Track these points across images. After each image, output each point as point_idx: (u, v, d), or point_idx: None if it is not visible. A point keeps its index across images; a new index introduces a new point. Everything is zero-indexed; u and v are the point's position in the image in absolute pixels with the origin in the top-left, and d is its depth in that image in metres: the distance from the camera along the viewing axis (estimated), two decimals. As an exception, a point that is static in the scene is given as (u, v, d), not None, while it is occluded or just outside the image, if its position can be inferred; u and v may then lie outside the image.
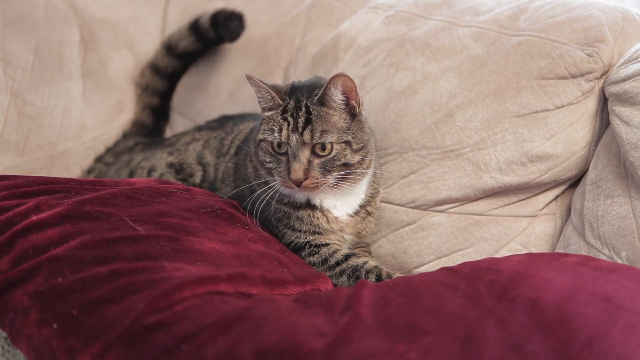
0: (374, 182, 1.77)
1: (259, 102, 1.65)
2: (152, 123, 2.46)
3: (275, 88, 1.64)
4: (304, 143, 1.55)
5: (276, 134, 1.58)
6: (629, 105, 1.57)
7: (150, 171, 2.00)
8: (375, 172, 1.77)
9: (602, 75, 1.68)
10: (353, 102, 1.60)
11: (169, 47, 2.40)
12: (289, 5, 2.35)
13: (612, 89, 1.62)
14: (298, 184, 1.55)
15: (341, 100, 1.59)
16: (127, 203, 1.56)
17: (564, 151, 1.72)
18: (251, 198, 1.71)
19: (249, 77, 1.60)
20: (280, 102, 1.61)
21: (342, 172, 1.59)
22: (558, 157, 1.72)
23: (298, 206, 1.70)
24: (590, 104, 1.71)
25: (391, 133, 1.87)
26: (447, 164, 1.80)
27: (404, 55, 1.93)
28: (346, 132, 1.59)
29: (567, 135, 1.71)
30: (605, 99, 1.69)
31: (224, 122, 2.08)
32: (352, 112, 1.62)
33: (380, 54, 1.97)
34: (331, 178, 1.58)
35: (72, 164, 2.28)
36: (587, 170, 1.73)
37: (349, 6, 2.24)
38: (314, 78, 1.77)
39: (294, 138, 1.56)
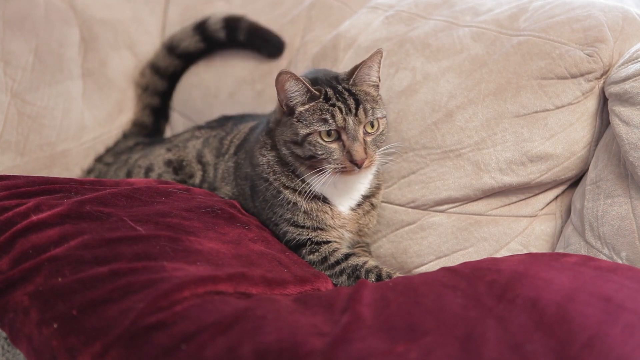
0: (378, 172, 1.79)
1: (290, 98, 1.62)
2: (152, 123, 2.46)
3: (307, 82, 1.63)
4: (359, 123, 1.59)
5: (330, 121, 1.58)
6: (629, 105, 1.57)
7: (147, 170, 1.99)
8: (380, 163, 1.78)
9: (602, 75, 1.68)
10: (377, 78, 1.68)
11: (170, 47, 2.40)
12: (289, 5, 2.35)
13: (612, 89, 1.62)
14: (360, 164, 1.57)
15: (375, 76, 1.66)
16: (127, 203, 1.56)
17: (564, 151, 1.72)
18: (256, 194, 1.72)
19: (285, 72, 1.59)
20: (317, 93, 1.61)
21: (381, 148, 1.66)
22: (558, 157, 1.72)
23: (312, 197, 1.69)
24: (590, 104, 1.71)
25: (391, 133, 1.87)
26: (447, 164, 1.80)
27: (404, 55, 1.93)
28: (382, 106, 1.67)
29: (567, 135, 1.71)
30: (605, 99, 1.69)
31: (223, 122, 2.08)
32: (377, 89, 1.69)
33: (380, 54, 1.98)
34: (377, 154, 1.64)
35: (72, 164, 2.28)
36: (587, 170, 1.73)
37: (349, 6, 2.23)
38: (316, 70, 1.80)
39: (350, 120, 1.58)
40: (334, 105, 1.59)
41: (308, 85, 1.60)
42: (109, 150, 2.33)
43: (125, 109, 2.45)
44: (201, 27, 2.33)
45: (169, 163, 1.97)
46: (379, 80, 1.68)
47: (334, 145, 1.59)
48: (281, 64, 2.25)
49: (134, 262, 1.32)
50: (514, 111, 1.74)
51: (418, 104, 1.85)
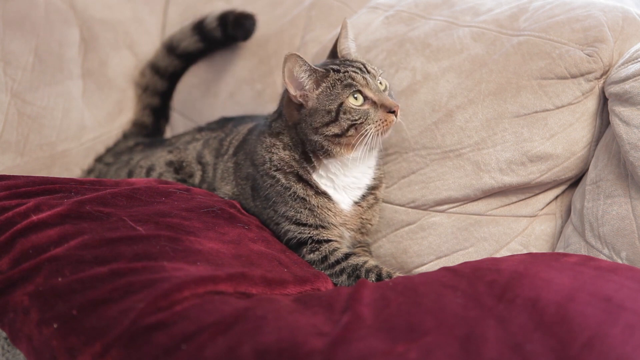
0: (379, 164, 1.82)
1: (300, 84, 1.66)
2: (152, 123, 2.46)
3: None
4: (374, 77, 1.69)
5: (354, 83, 1.65)
6: (629, 105, 1.57)
7: (149, 170, 2.00)
8: (381, 152, 1.84)
9: (602, 75, 1.68)
10: (355, 48, 1.82)
11: (170, 47, 2.40)
12: (289, 5, 2.35)
13: (612, 89, 1.62)
14: (396, 110, 1.65)
15: (354, 46, 1.81)
16: (127, 203, 1.56)
17: (564, 151, 1.72)
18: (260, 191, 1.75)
19: (293, 55, 1.63)
20: (324, 70, 1.68)
21: None
22: (558, 157, 1.72)
23: (319, 193, 1.72)
24: (590, 104, 1.71)
25: (391, 133, 1.86)
26: (447, 164, 1.80)
27: (404, 55, 1.93)
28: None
29: (567, 135, 1.71)
30: (605, 99, 1.69)
31: (223, 123, 2.09)
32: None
33: (380, 54, 1.97)
34: None
35: (72, 164, 2.28)
36: (587, 170, 1.73)
37: (349, 6, 2.24)
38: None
39: (369, 78, 1.67)
40: (347, 72, 1.67)
41: (313, 66, 1.66)
42: (109, 151, 2.33)
43: (125, 109, 2.45)
44: (199, 27, 2.32)
45: (170, 164, 1.99)
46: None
47: (366, 106, 1.65)
48: (281, 63, 2.24)
49: (134, 262, 1.32)
50: (514, 111, 1.74)
51: (418, 104, 1.85)
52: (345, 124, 1.63)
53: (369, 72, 1.68)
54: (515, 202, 1.80)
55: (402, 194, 1.86)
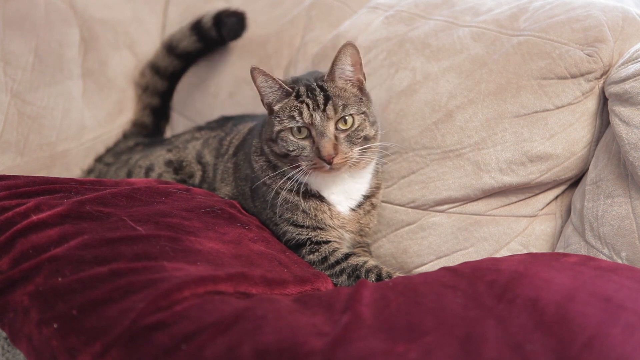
0: (377, 172, 1.79)
1: (265, 96, 1.66)
2: (152, 123, 2.46)
3: (280, 79, 1.67)
4: (328, 119, 1.59)
5: (297, 118, 1.60)
6: (629, 105, 1.57)
7: (148, 170, 1.99)
8: (378, 163, 1.79)
9: (602, 75, 1.68)
10: (360, 76, 1.66)
11: (169, 47, 2.40)
12: (289, 5, 2.35)
13: (612, 89, 1.62)
14: (330, 161, 1.57)
15: (350, 72, 1.64)
16: (127, 203, 1.56)
17: (564, 151, 1.72)
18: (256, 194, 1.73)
19: (255, 69, 1.62)
20: (290, 89, 1.64)
21: (363, 147, 1.63)
22: (558, 157, 1.72)
23: (309, 196, 1.70)
24: (590, 104, 1.71)
25: (391, 133, 1.87)
26: (447, 164, 1.80)
27: (404, 55, 1.93)
28: (361, 104, 1.65)
29: (567, 135, 1.71)
30: (605, 99, 1.69)
31: (223, 122, 2.09)
32: (360, 87, 1.67)
33: (381, 54, 1.97)
34: (356, 152, 1.62)
35: (72, 164, 2.28)
36: (587, 170, 1.73)
37: (349, 6, 2.24)
38: (309, 71, 1.80)
39: (317, 116, 1.59)
40: (302, 102, 1.61)
41: (280, 82, 1.63)
42: (109, 151, 2.33)
43: (125, 109, 2.45)
44: (197, 27, 2.32)
45: (169, 163, 1.98)
46: (359, 75, 1.66)
47: (305, 142, 1.61)
48: (281, 63, 2.25)
49: (134, 262, 1.32)
50: (514, 111, 1.74)
51: (418, 104, 1.85)
52: (281, 149, 1.63)
53: (324, 110, 1.58)
54: (515, 202, 1.80)
55: (402, 194, 1.86)
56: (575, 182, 1.80)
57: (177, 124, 2.48)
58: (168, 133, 2.50)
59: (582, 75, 1.68)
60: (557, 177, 1.75)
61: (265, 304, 1.27)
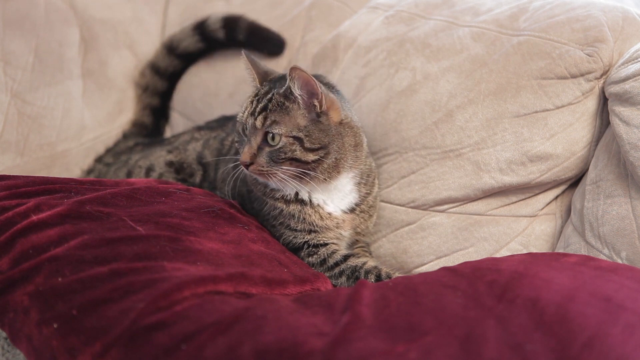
0: (364, 184, 1.75)
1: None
2: (152, 123, 2.46)
3: (263, 72, 1.70)
4: (256, 128, 1.58)
5: (240, 114, 1.64)
6: (629, 105, 1.57)
7: (148, 170, 1.99)
8: (364, 174, 1.74)
9: (602, 75, 1.68)
10: (315, 100, 1.57)
11: (170, 47, 2.40)
12: (289, 5, 2.35)
13: (612, 89, 1.62)
14: (243, 164, 1.59)
15: (299, 94, 1.56)
16: (127, 203, 1.56)
17: (564, 151, 1.72)
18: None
19: (246, 54, 1.66)
20: (259, 86, 1.67)
21: (294, 167, 1.58)
22: (558, 157, 1.72)
23: (288, 200, 1.70)
24: (590, 104, 1.71)
25: (391, 133, 1.87)
26: (447, 164, 1.80)
27: (404, 55, 1.93)
28: (299, 129, 1.57)
29: (567, 135, 1.71)
30: (606, 99, 1.69)
31: (223, 122, 2.08)
32: (317, 112, 1.59)
33: (380, 54, 1.97)
34: (279, 170, 1.57)
35: (72, 164, 2.28)
36: (587, 170, 1.73)
37: (349, 6, 2.23)
38: (314, 74, 1.78)
39: (250, 122, 1.60)
40: (251, 102, 1.63)
41: (255, 74, 1.67)
42: (109, 151, 2.33)
43: (125, 109, 2.45)
44: (200, 27, 2.33)
45: (170, 164, 1.98)
46: (316, 103, 1.57)
47: (244, 139, 1.63)
48: (281, 63, 2.25)
49: (134, 262, 1.32)
50: (514, 111, 1.74)
51: (418, 104, 1.85)
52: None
53: (255, 118, 1.57)
54: (515, 202, 1.80)
55: (402, 193, 1.86)
56: (575, 182, 1.80)
57: (177, 124, 2.47)
58: (168, 133, 2.50)
59: (582, 75, 1.68)
60: (557, 177, 1.75)
61: (265, 304, 1.27)
